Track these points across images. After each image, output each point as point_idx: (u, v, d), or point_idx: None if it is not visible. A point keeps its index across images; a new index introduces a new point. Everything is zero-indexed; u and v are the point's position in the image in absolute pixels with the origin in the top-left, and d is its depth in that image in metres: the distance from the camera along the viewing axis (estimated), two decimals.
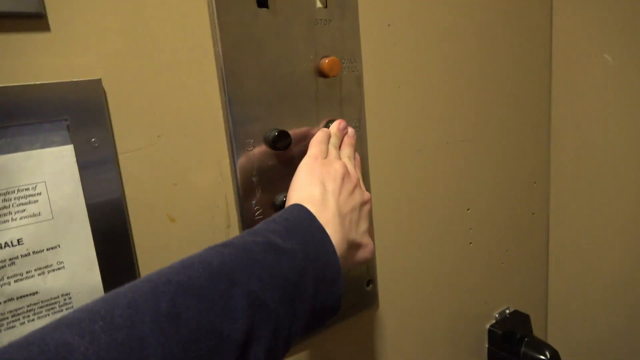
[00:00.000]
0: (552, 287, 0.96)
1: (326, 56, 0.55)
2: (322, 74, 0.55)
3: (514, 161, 0.84)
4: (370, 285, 0.64)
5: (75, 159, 0.40)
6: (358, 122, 0.60)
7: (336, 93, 0.57)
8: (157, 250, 0.46)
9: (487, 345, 0.85)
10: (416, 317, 0.73)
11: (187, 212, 0.48)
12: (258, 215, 0.52)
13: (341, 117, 0.57)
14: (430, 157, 0.70)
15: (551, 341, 0.95)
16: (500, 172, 0.82)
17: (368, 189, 0.61)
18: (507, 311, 0.88)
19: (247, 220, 0.51)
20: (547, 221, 0.93)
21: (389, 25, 0.62)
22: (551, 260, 0.95)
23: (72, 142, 0.40)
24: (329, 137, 0.52)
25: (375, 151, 0.62)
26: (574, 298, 0.94)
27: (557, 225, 0.93)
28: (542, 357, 0.80)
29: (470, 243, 0.79)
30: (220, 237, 0.50)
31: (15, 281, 0.39)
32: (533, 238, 0.92)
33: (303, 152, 0.51)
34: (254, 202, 0.52)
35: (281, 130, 0.51)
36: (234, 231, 0.51)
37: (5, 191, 0.37)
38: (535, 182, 0.89)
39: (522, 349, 0.82)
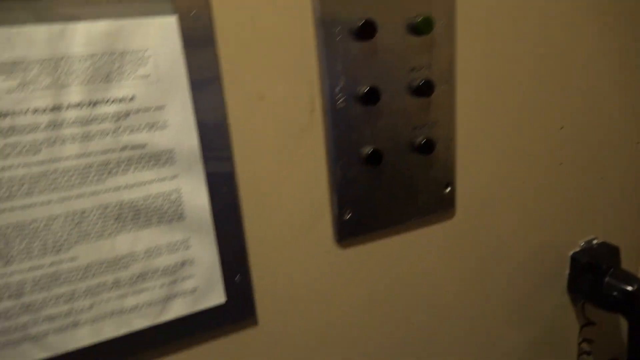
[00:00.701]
0: None
1: None
2: None
3: (620, 84, 0.77)
4: (449, 188, 0.64)
5: (178, 28, 0.44)
6: (449, 13, 0.58)
7: None
8: (247, 123, 0.50)
9: (567, 272, 0.83)
10: (493, 231, 0.72)
11: (274, 92, 0.51)
12: (340, 102, 0.54)
13: (429, 8, 0.56)
14: (523, 65, 0.67)
15: None
16: (601, 93, 0.76)
17: (454, 87, 0.61)
18: (595, 241, 0.84)
19: (330, 106, 0.54)
20: None
21: None
22: None
23: (176, 12, 0.44)
24: None
25: (464, 51, 0.61)
26: None
27: None
28: (629, 287, 0.77)
29: (561, 164, 0.76)
30: (304, 120, 0.53)
31: (129, 133, 0.45)
32: (635, 170, 0.85)
33: (387, 43, 0.52)
34: (337, 89, 0.54)
35: (367, 19, 0.52)
36: (317, 116, 0.54)
37: (122, 51, 0.43)
38: None
39: (607, 278, 0.79)
